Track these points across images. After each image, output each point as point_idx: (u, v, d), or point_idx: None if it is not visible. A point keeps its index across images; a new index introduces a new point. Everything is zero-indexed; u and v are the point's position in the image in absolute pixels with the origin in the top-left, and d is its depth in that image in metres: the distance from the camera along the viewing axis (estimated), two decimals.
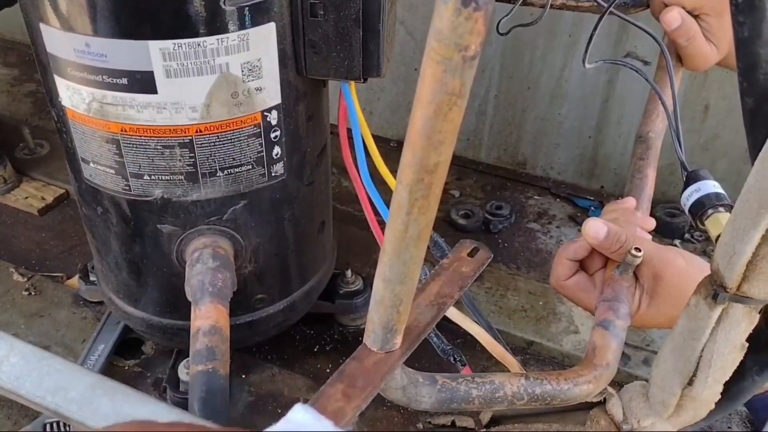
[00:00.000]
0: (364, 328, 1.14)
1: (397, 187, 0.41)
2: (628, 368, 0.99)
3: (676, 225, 1.23)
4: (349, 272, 1.04)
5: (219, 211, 0.78)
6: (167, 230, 0.79)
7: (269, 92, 0.73)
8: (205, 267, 0.76)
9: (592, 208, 1.27)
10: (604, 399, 0.65)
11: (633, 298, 0.71)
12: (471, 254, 0.64)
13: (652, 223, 0.75)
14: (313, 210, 0.89)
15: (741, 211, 0.48)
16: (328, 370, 1.01)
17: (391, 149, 1.42)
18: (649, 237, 0.74)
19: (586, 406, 0.66)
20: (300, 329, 1.06)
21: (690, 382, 0.58)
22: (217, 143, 0.73)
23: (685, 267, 0.70)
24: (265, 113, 0.74)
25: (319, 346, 1.05)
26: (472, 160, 1.44)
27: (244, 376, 0.98)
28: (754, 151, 0.44)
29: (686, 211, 0.63)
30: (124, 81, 0.68)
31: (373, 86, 1.43)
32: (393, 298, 0.50)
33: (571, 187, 1.33)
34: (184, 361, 0.91)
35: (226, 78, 0.69)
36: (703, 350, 0.56)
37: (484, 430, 0.64)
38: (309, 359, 1.03)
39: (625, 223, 0.73)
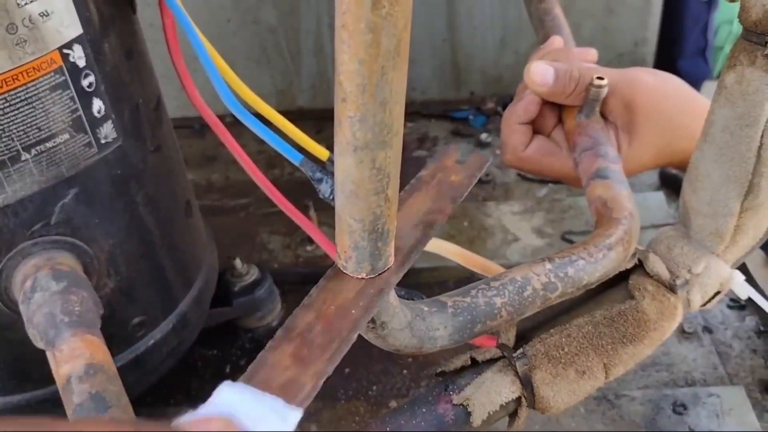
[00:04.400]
0: (276, 325, 0.91)
1: None
2: None
3: None
4: (238, 262, 0.83)
5: (42, 213, 0.54)
6: None
7: (61, 17, 0.51)
8: (48, 293, 0.52)
9: (471, 116, 1.14)
10: (638, 262, 0.50)
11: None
12: (460, 162, 0.48)
13: (593, 54, 0.62)
14: (172, 186, 0.67)
15: None
16: None
17: None
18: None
19: (615, 283, 0.51)
20: (200, 354, 0.83)
21: (749, 190, 0.45)
22: (9, 110, 0.50)
23: (657, 84, 0.57)
24: (65, 50, 0.51)
25: (231, 364, 0.83)
26: (325, 108, 1.25)
27: None
28: None
29: None
30: None
31: None
32: (375, 176, 0.31)
33: (441, 103, 1.19)
34: None
35: None
36: (763, 135, 0.43)
37: (521, 350, 0.46)
38: None
39: (567, 60, 0.58)
